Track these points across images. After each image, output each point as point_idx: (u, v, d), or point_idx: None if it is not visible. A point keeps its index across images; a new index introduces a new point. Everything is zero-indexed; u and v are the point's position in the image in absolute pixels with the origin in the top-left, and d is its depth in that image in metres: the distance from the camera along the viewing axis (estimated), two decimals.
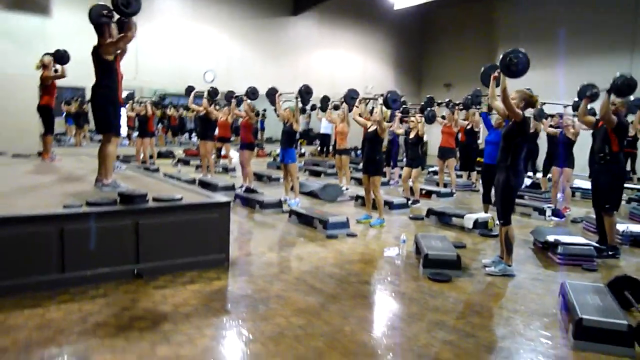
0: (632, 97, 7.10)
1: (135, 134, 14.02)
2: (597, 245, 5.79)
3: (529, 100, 4.98)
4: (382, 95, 7.34)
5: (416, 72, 21.68)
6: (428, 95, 11.42)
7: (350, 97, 8.58)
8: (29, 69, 12.42)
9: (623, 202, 9.24)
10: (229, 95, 10.55)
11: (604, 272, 5.26)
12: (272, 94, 9.15)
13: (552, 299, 4.38)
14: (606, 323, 3.42)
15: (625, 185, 10.18)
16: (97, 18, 5.18)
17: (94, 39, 5.21)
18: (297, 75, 18.63)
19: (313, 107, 13.21)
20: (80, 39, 8.56)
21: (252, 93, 9.76)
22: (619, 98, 5.74)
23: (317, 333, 3.52)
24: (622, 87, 5.61)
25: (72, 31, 13.71)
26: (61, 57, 8.05)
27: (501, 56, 4.92)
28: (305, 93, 7.19)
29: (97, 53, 5.19)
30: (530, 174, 12.75)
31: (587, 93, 6.16)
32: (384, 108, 7.30)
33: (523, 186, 10.72)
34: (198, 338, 3.37)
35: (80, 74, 9.14)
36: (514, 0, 16.79)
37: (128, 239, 4.48)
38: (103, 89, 5.25)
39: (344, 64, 19.71)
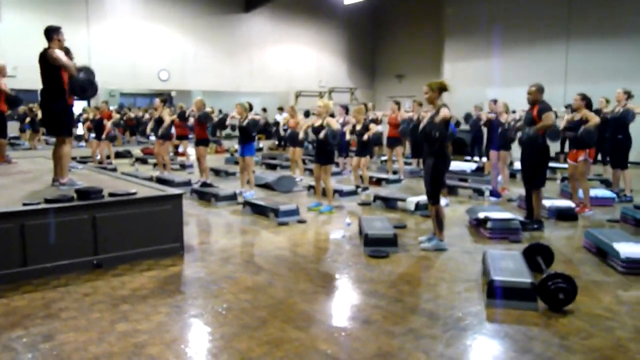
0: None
1: (92, 135, 14.09)
2: (523, 219, 6.38)
3: (441, 86, 5.41)
4: (332, 89, 7.75)
5: (369, 64, 22.23)
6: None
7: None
8: None
9: (557, 181, 9.99)
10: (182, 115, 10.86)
11: (527, 243, 5.82)
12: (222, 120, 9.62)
13: (476, 268, 4.90)
14: (513, 282, 3.95)
15: (556, 165, 10.91)
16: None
17: (44, 43, 5.43)
18: (253, 71, 18.96)
19: (264, 109, 13.62)
20: (29, 42, 8.67)
21: (204, 117, 9.69)
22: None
23: (262, 305, 3.93)
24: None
25: (21, 34, 13.69)
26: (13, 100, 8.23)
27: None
28: (332, 138, 7.40)
29: (44, 59, 5.40)
30: (476, 158, 13.48)
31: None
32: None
33: (469, 170, 11.42)
34: (154, 315, 3.73)
35: (33, 76, 9.27)
36: None
37: (86, 232, 4.78)
38: (52, 92, 5.48)
39: (298, 59, 20.09)
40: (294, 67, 19.88)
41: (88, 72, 5.43)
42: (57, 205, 4.69)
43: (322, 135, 7.35)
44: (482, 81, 16.79)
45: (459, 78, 17.62)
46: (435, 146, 5.37)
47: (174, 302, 4.01)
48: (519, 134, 6.74)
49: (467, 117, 13.04)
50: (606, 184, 9.58)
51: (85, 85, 5.37)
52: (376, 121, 10.98)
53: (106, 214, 4.90)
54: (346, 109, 11.05)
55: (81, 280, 4.49)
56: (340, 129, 9.32)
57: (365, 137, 8.86)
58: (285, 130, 14.54)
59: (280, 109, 17.18)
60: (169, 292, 4.23)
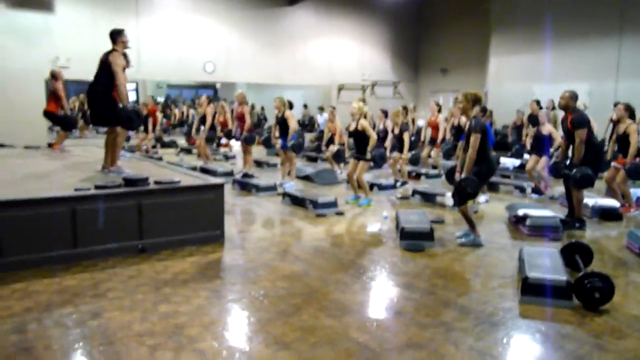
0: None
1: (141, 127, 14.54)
2: (564, 218, 6.28)
3: (475, 98, 5.39)
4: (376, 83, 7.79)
5: (413, 58, 22.01)
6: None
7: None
8: (34, 65, 13.00)
9: (603, 180, 9.71)
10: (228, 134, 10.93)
11: (567, 241, 5.74)
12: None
13: (512, 264, 4.88)
14: (548, 280, 3.93)
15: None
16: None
17: (96, 35, 5.73)
18: (296, 64, 19.07)
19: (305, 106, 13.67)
20: (82, 34, 9.04)
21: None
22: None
23: (297, 293, 4.05)
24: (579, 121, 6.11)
25: (74, 26, 14.21)
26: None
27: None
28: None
29: (106, 59, 5.69)
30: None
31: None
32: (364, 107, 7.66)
33: (512, 167, 11.24)
34: (194, 298, 3.90)
35: (85, 68, 9.67)
36: None
37: (132, 217, 5.01)
38: (102, 86, 5.75)
39: (341, 52, 20.07)
40: (336, 61, 19.88)
41: (135, 106, 5.81)
42: (106, 191, 4.93)
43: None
44: (529, 76, 16.40)
45: (505, 73, 17.30)
46: (478, 154, 5.32)
47: (213, 287, 4.18)
48: (565, 171, 6.50)
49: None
50: None
51: (132, 117, 5.75)
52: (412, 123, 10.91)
53: (151, 201, 5.11)
54: (385, 113, 11.04)
55: (127, 263, 4.71)
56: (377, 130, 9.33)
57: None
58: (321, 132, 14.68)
59: (321, 109, 17.26)
60: (208, 277, 4.41)
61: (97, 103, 5.79)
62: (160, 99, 20.53)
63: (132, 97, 19.00)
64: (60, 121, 9.02)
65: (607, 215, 6.84)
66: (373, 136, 7.38)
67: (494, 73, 17.73)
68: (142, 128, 13.34)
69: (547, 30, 15.58)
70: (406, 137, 9.00)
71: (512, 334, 3.42)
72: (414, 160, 11.24)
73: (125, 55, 5.85)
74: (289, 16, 18.84)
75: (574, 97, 6.23)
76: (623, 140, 7.18)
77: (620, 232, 6.26)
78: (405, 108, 10.51)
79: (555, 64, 15.67)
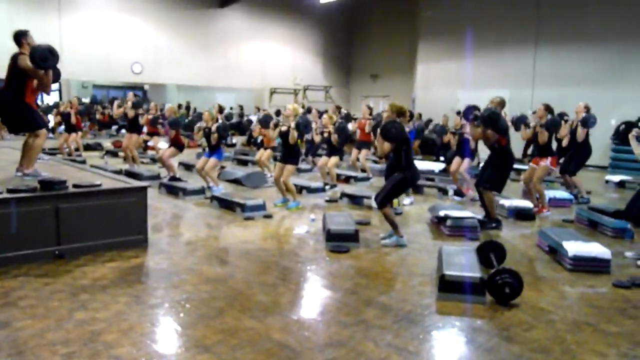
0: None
1: (61, 128, 13.92)
2: (481, 218, 6.60)
3: (399, 111, 5.62)
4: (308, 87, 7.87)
5: (344, 63, 22.39)
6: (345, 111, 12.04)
7: (264, 122, 9.61)
8: None
9: (520, 182, 10.24)
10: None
11: (483, 240, 6.03)
12: (267, 121, 9.57)
13: (433, 263, 5.06)
14: (463, 277, 4.12)
15: (520, 166, 11.13)
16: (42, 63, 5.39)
17: (11, 31, 5.44)
18: (228, 67, 18.94)
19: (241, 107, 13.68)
20: None
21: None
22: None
23: (220, 296, 4.03)
24: (487, 119, 6.41)
25: None
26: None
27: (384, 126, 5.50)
28: (303, 127, 7.40)
29: (15, 61, 5.39)
30: (442, 158, 13.72)
31: (470, 116, 7.00)
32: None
33: (437, 170, 11.64)
34: (112, 304, 3.80)
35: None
36: None
37: (49, 222, 4.80)
38: (16, 92, 5.45)
39: (273, 56, 20.13)
40: (268, 64, 19.92)
41: (49, 45, 5.39)
42: (20, 195, 4.71)
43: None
44: (454, 83, 17.09)
45: (432, 79, 17.92)
46: (402, 164, 5.52)
47: (134, 292, 4.08)
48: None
49: (436, 127, 13.16)
50: (567, 186, 9.88)
51: (46, 55, 5.25)
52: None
53: (70, 205, 4.92)
54: (320, 114, 11.19)
55: (42, 270, 4.52)
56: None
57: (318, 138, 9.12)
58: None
59: (257, 108, 17.23)
60: (129, 283, 4.30)
61: (10, 110, 5.50)
62: (86, 100, 19.74)
63: (55, 97, 18.20)
64: None
65: (522, 215, 7.23)
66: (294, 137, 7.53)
67: (422, 79, 18.33)
68: (62, 128, 12.81)
69: (470, 40, 16.33)
70: (334, 139, 9.14)
71: (428, 330, 3.57)
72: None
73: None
74: (221, 18, 18.69)
75: (502, 103, 6.71)
76: (536, 140, 7.60)
77: (532, 231, 6.63)
78: (339, 108, 10.68)
79: (477, 71, 16.42)
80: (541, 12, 15.09)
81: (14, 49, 5.50)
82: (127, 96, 11.31)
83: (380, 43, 20.91)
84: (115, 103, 11.39)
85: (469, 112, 7.22)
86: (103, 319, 3.53)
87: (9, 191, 4.73)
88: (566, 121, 8.69)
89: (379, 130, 5.71)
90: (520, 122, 7.94)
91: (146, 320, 3.57)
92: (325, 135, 9.31)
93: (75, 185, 5.08)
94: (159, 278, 4.46)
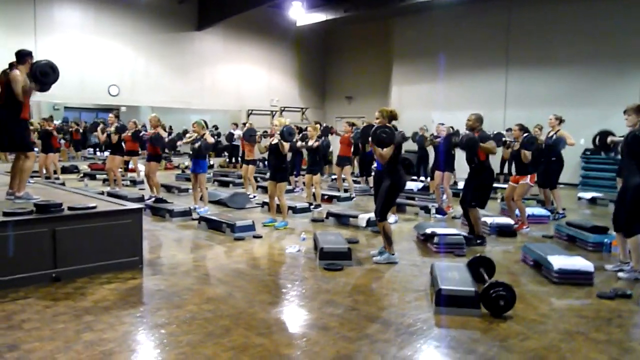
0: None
1: (36, 149, 13.73)
2: (466, 235, 6.81)
3: (391, 115, 5.80)
4: (284, 108, 8.05)
5: (320, 85, 22.69)
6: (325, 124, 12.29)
7: (249, 135, 9.85)
8: None
9: (498, 200, 10.55)
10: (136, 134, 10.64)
11: (471, 256, 6.22)
12: (251, 135, 9.77)
13: (424, 279, 5.23)
14: (459, 291, 4.29)
15: (497, 185, 11.50)
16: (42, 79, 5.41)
17: None
18: (205, 89, 19.01)
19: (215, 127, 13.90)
20: None
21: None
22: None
23: (224, 315, 4.10)
24: (464, 144, 6.79)
25: None
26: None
27: (372, 131, 5.68)
28: (287, 134, 7.55)
29: (7, 77, 5.40)
30: (422, 178, 14.02)
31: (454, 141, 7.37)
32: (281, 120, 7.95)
33: (415, 189, 11.89)
34: (118, 325, 3.83)
35: None
36: (408, 19, 18.22)
37: (45, 245, 4.80)
38: (7, 109, 5.46)
39: (249, 78, 20.29)
40: (245, 86, 20.06)
41: (49, 61, 5.41)
42: (16, 218, 4.70)
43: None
44: (428, 104, 17.51)
45: (406, 100, 18.30)
46: (389, 168, 5.71)
47: (137, 313, 4.12)
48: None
49: (415, 136, 13.54)
50: (542, 203, 10.23)
51: (47, 70, 5.32)
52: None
53: (66, 227, 4.93)
54: (300, 130, 11.37)
55: (40, 292, 4.51)
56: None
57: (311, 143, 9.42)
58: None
59: (235, 124, 17.31)
60: (131, 304, 4.33)
61: (5, 127, 5.49)
62: (57, 122, 19.45)
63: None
64: None
65: (503, 232, 7.48)
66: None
67: (396, 101, 18.70)
68: (38, 149, 12.64)
69: (443, 62, 16.83)
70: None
71: (429, 342, 3.70)
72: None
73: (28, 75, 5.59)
74: (197, 41, 18.81)
75: (479, 119, 6.94)
76: (517, 159, 7.91)
77: (515, 246, 6.86)
78: (317, 122, 10.89)
79: (450, 93, 16.90)
80: (511, 35, 15.69)
81: None
82: (108, 118, 11.30)
83: (355, 65, 21.29)
84: (99, 129, 11.32)
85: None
86: (112, 340, 3.56)
87: (5, 214, 4.73)
88: (505, 142, 8.73)
89: (370, 139, 5.80)
90: (497, 139, 8.24)
91: (155, 340, 3.62)
92: (314, 145, 9.44)
93: (70, 208, 5.09)
94: (160, 299, 4.49)
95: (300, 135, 10.12)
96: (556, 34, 14.80)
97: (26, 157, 5.61)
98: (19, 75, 5.35)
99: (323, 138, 10.07)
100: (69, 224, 4.97)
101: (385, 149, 5.66)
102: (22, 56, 5.48)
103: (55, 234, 4.84)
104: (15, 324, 3.82)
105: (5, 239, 4.56)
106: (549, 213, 8.78)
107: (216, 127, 18.95)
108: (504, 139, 8.25)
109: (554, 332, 3.91)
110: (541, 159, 9.24)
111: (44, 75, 5.29)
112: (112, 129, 10.49)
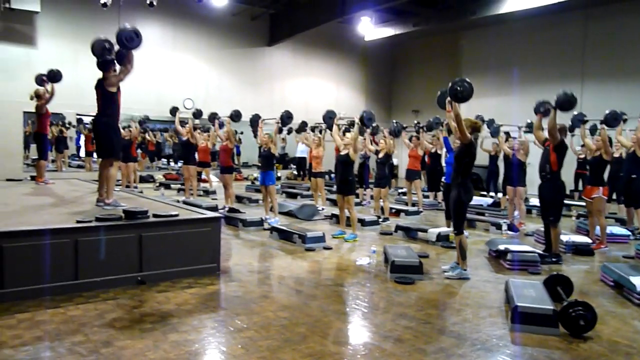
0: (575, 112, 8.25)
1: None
2: (541, 252, 6.63)
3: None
4: (354, 121, 8.15)
5: (386, 99, 22.73)
6: (395, 120, 12.25)
7: (329, 117, 9.42)
8: (15, 96, 13.00)
9: (573, 218, 10.19)
10: (212, 117, 11.23)
11: (545, 275, 6.06)
12: (255, 120, 9.96)
13: (499, 296, 5.15)
14: (536, 309, 4.20)
15: (571, 202, 11.10)
16: (103, 54, 5.88)
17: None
18: (274, 102, 19.48)
19: (289, 131, 14.11)
20: (63, 69, 9.19)
21: (235, 116, 10.51)
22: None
23: (300, 322, 4.21)
24: (564, 102, 6.57)
25: (55, 61, 14.26)
26: (54, 75, 8.69)
27: (449, 85, 5.77)
28: (286, 118, 7.90)
29: (101, 85, 5.87)
30: (492, 193, 13.72)
31: (541, 109, 7.15)
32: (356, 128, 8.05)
33: (485, 204, 11.66)
34: (201, 327, 4.03)
35: (60, 101, 9.88)
36: (477, 33, 18.01)
37: (132, 249, 5.12)
38: (107, 117, 5.93)
39: (317, 92, 20.62)
40: (313, 100, 20.39)
41: (134, 26, 5.73)
42: (108, 223, 5.05)
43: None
44: (498, 118, 17.12)
45: (474, 114, 17.95)
46: (458, 178, 5.70)
47: (218, 317, 4.31)
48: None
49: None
50: (621, 222, 9.78)
51: (131, 35, 5.63)
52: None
53: (151, 233, 5.24)
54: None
55: (128, 294, 4.80)
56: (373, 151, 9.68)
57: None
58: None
59: (313, 129, 17.60)
60: (212, 308, 4.54)
61: (105, 135, 5.92)
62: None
63: None
64: (44, 142, 9.06)
65: (580, 250, 7.22)
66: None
67: (464, 114, 18.40)
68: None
69: (514, 76, 16.45)
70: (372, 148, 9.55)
71: (507, 359, 3.66)
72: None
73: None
74: (268, 56, 19.35)
75: (563, 129, 6.92)
76: (593, 166, 7.81)
77: (593, 266, 6.63)
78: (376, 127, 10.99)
79: (522, 107, 16.44)
80: (587, 48, 15.18)
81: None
82: (186, 127, 11.80)
83: (423, 78, 21.17)
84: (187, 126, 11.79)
85: (541, 106, 7.28)
86: (196, 341, 3.75)
87: (98, 220, 5.08)
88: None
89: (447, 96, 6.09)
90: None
91: (237, 343, 3.77)
92: (381, 155, 9.52)
93: (155, 215, 5.40)
94: (238, 304, 4.67)
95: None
96: (634, 45, 14.18)
97: (110, 165, 5.99)
98: (114, 77, 5.84)
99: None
100: (154, 230, 5.27)
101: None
102: (107, 63, 5.90)
103: (141, 239, 5.15)
104: (108, 322, 4.10)
105: (98, 243, 4.91)
106: (629, 233, 8.38)
107: (284, 140, 19.35)
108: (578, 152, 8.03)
109: (638, 356, 3.76)
110: (619, 173, 8.88)
111: (129, 40, 5.65)
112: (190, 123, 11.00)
